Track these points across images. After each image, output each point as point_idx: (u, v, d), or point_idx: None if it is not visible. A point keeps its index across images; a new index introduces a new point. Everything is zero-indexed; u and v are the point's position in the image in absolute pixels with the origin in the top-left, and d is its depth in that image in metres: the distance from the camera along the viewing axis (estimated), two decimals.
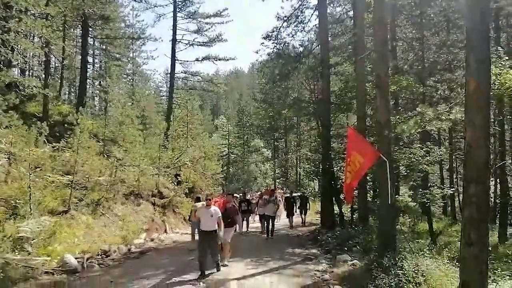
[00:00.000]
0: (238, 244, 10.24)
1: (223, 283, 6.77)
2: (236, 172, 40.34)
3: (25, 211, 9.18)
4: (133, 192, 15.18)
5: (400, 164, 12.66)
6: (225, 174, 32.36)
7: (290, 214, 15.57)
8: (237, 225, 9.91)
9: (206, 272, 7.20)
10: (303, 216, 16.70)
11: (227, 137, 40.78)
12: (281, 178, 38.28)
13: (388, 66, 8.49)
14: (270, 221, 12.43)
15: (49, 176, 11.49)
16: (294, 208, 16.41)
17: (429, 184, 16.23)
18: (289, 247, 10.66)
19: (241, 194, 16.18)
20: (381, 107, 7.71)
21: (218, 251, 7.54)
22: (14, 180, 10.32)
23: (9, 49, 12.37)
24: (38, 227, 8.61)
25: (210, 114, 65.29)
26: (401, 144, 12.80)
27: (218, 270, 7.44)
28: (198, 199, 10.78)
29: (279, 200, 14.69)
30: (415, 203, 14.68)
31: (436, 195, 13.34)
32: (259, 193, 16.04)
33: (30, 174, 10.01)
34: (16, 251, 7.79)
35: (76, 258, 8.17)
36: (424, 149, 12.22)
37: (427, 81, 14.80)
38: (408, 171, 13.56)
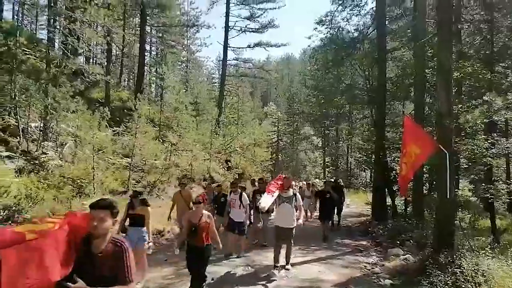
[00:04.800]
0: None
1: (271, 268, 6.84)
2: (285, 159, 40.25)
3: (89, 190, 9.94)
4: (186, 176, 15.78)
5: (461, 156, 11.86)
6: (274, 162, 32.47)
7: (324, 217, 10.41)
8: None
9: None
10: (335, 216, 11.93)
11: (277, 124, 40.69)
12: (331, 167, 37.59)
13: (452, 51, 7.90)
14: (286, 240, 6.82)
15: (111, 158, 12.29)
16: (332, 208, 10.98)
17: (493, 178, 15.07)
18: (338, 237, 10.50)
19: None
20: (443, 95, 7.22)
21: None
22: (80, 161, 11.16)
23: (75, 38, 13.26)
24: None
25: (260, 101, 65.51)
26: (462, 134, 11.96)
27: None
28: (183, 186, 9.18)
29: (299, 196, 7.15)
30: (476, 198, 13.75)
31: (501, 191, 12.38)
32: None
33: (93, 156, 10.79)
34: None
35: None
36: (489, 141, 11.35)
37: (495, 67, 13.59)
38: (470, 163, 12.68)
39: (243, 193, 7.89)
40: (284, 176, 7.42)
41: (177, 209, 8.58)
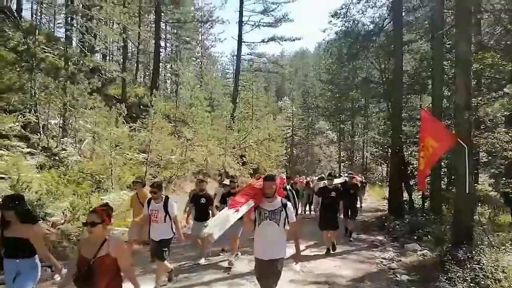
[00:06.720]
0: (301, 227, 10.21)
1: (286, 263, 6.84)
2: (300, 154, 40.12)
3: (107, 185, 10.14)
4: (202, 171, 15.93)
5: (481, 150, 11.60)
6: (288, 156, 32.42)
7: (324, 225, 7.83)
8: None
9: None
10: (348, 221, 9.60)
11: (291, 119, 40.52)
12: (346, 162, 37.29)
13: (471, 42, 7.70)
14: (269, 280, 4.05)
15: (127, 154, 12.49)
16: (338, 210, 8.08)
17: None
18: (354, 232, 10.43)
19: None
20: (461, 87, 7.07)
21: None
22: (98, 157, 11.39)
23: (92, 35, 13.47)
24: (118, 200, 9.46)
25: (275, 95, 65.27)
26: (482, 128, 11.69)
27: None
28: (139, 184, 7.02)
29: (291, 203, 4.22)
30: (497, 193, 13.45)
31: None
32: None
33: (111, 152, 10.98)
34: None
35: None
36: (510, 134, 11.06)
37: None
38: (490, 157, 12.40)
39: (169, 199, 5.39)
40: (266, 175, 4.10)
41: (133, 216, 6.74)
